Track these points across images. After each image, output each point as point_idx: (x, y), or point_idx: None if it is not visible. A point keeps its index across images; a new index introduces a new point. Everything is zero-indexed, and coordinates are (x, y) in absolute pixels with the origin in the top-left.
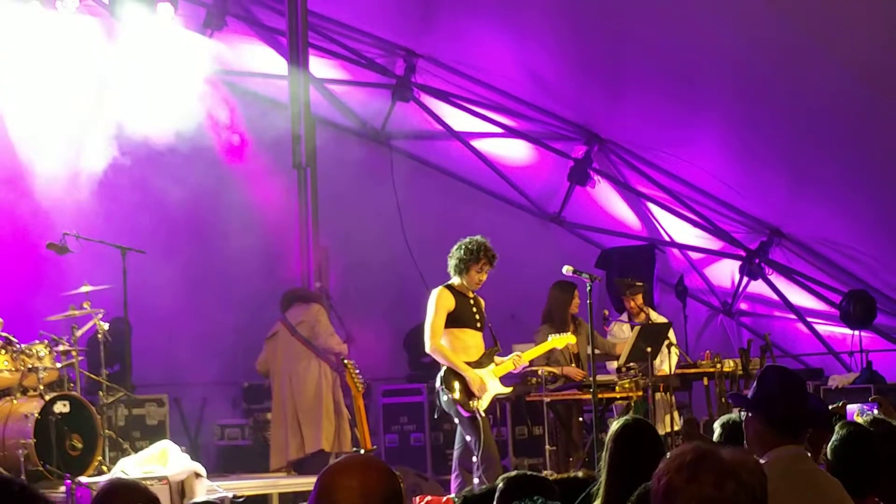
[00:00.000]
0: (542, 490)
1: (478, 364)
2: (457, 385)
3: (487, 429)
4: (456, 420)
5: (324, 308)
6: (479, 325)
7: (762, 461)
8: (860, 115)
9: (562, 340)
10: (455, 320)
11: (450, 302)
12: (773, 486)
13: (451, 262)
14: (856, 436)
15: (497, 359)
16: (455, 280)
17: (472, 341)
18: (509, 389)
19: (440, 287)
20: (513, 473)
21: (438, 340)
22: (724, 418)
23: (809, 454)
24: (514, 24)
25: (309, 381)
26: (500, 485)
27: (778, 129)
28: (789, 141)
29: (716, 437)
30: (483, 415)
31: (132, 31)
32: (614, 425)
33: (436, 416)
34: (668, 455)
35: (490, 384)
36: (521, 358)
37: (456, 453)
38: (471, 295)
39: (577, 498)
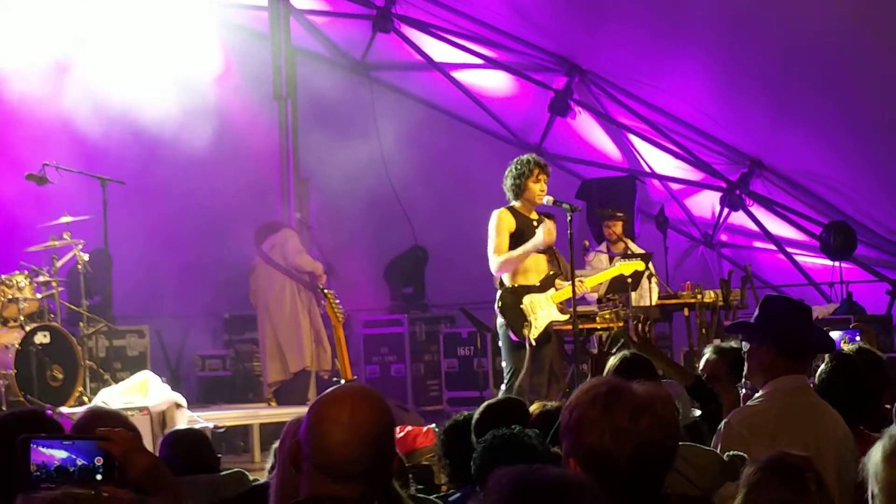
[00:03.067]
0: (517, 416)
1: (538, 288)
2: (510, 309)
3: (542, 358)
4: (500, 343)
5: (294, 232)
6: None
7: (763, 391)
8: (844, 47)
9: (629, 266)
10: (517, 241)
11: (510, 222)
12: (774, 418)
13: (507, 187)
14: (844, 366)
15: (559, 282)
16: (516, 203)
17: (531, 264)
18: (565, 317)
19: (500, 208)
20: (493, 400)
21: (497, 260)
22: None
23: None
24: None
25: (285, 304)
26: (477, 414)
27: (760, 60)
28: (771, 72)
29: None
30: (533, 343)
31: None
32: (612, 360)
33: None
34: (579, 388)
35: (545, 310)
36: (582, 283)
37: (531, 380)
38: (534, 216)
39: (554, 427)
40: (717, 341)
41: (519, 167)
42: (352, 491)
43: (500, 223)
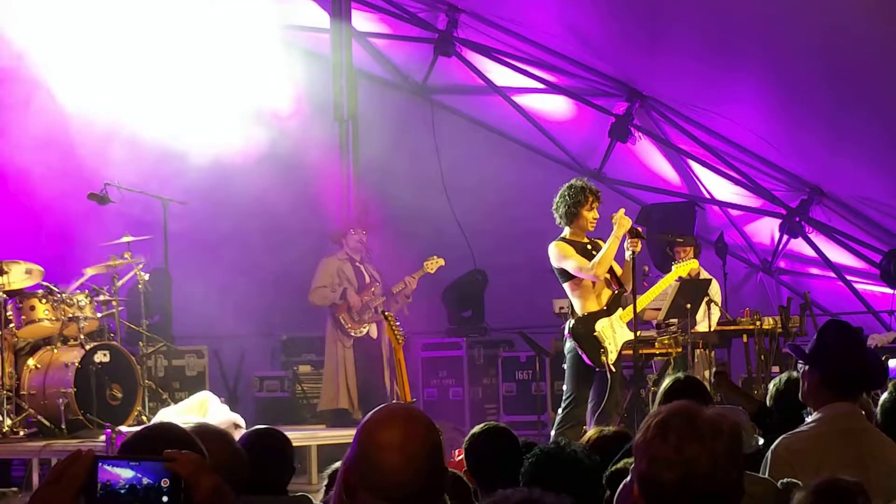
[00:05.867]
0: (507, 440)
1: (606, 312)
2: (585, 338)
3: (616, 383)
4: (564, 365)
5: (327, 262)
6: None
7: (816, 415)
8: None
9: (684, 268)
10: None
11: (571, 248)
12: (820, 444)
13: (559, 213)
14: None
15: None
16: (566, 231)
17: (598, 288)
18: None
19: (554, 241)
20: (476, 429)
21: (591, 264)
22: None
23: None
24: None
25: (326, 340)
26: (466, 443)
27: (819, 87)
28: (831, 98)
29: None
30: (613, 369)
31: None
32: (666, 381)
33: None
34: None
35: (617, 332)
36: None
37: (590, 405)
38: (586, 240)
39: (611, 454)
40: (775, 369)
41: (574, 194)
42: None
43: (565, 250)
